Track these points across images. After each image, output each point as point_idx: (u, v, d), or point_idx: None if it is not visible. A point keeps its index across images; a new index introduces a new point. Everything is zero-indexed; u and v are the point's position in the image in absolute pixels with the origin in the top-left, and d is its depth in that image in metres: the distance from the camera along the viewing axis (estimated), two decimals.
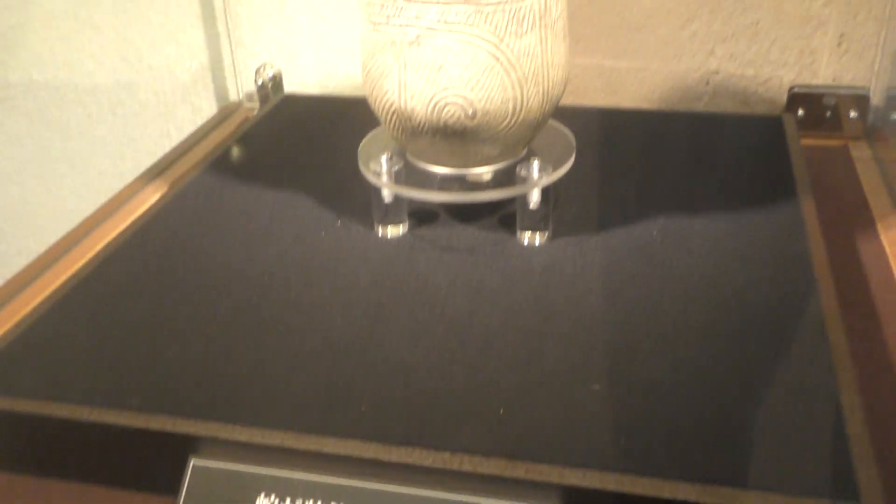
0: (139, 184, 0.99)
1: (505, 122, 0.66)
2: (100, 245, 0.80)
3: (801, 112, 1.00)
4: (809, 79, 1.02)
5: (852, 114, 0.99)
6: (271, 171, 0.86)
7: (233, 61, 1.19)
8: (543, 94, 0.66)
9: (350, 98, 1.07)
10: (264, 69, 1.13)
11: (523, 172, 0.69)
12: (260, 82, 1.12)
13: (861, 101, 0.98)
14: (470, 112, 0.65)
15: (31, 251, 0.87)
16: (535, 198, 0.70)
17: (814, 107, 1.00)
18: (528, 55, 0.64)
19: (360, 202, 0.76)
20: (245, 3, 1.16)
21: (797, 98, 1.00)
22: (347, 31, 1.14)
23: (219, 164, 0.89)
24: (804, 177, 0.79)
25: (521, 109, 0.66)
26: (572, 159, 0.72)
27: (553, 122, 0.78)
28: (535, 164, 0.69)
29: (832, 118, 1.00)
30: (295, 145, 0.93)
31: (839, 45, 1.00)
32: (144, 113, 1.30)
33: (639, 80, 1.08)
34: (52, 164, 1.38)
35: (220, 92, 1.24)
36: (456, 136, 0.66)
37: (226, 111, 1.20)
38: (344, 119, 0.97)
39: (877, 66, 1.00)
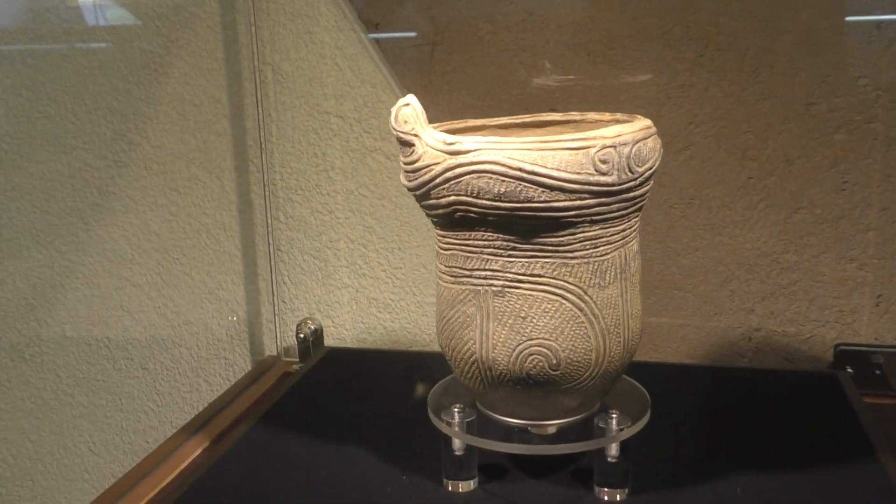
0: (178, 439, 0.95)
1: (587, 373, 0.65)
2: None
3: (849, 369, 1.00)
4: (851, 337, 1.04)
5: None
6: (325, 425, 0.84)
7: (274, 316, 1.21)
8: (623, 344, 0.66)
9: (394, 352, 1.07)
10: (306, 324, 1.13)
11: (601, 424, 0.68)
12: (301, 336, 1.12)
13: None
14: (554, 362, 0.64)
15: None
16: (613, 451, 0.68)
17: (862, 364, 1.00)
18: (610, 306, 0.65)
19: (426, 456, 0.74)
20: (287, 261, 1.19)
21: (844, 355, 1.01)
22: (386, 287, 1.16)
23: (268, 418, 0.87)
24: (878, 435, 0.78)
25: (602, 360, 0.65)
26: (648, 412, 0.70)
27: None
28: (615, 416, 0.68)
29: (882, 376, 0.99)
30: (346, 398, 0.92)
31: (878, 305, 1.03)
32: (176, 368, 1.29)
33: (680, 336, 1.09)
34: (73, 420, 1.35)
35: (256, 347, 1.24)
36: (538, 387, 0.65)
37: (262, 366, 1.19)
38: (394, 372, 0.97)
39: None
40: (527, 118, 0.76)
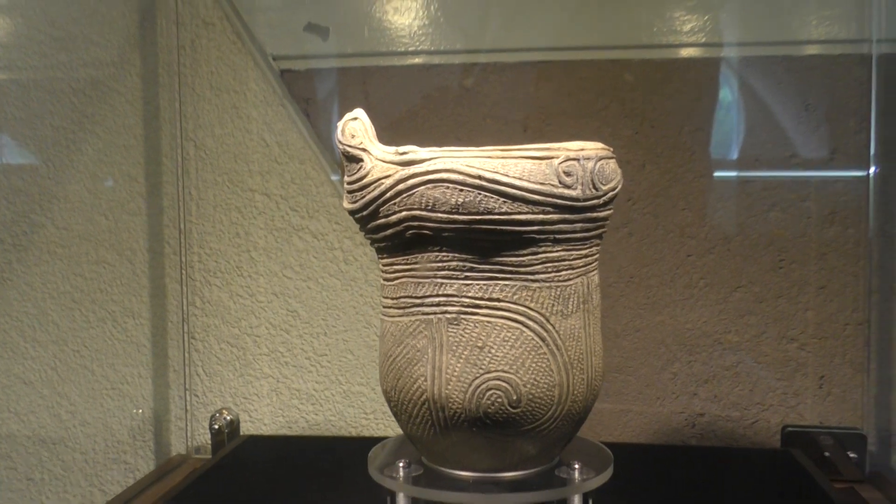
0: None
1: (550, 412, 0.59)
2: None
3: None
4: (796, 420, 1.00)
5: (851, 454, 0.95)
6: None
7: (185, 412, 1.10)
8: (587, 383, 0.61)
9: (318, 438, 0.98)
10: (221, 414, 1.03)
11: (563, 475, 0.61)
12: (216, 427, 1.02)
13: (859, 440, 0.96)
14: (514, 398, 0.58)
15: None
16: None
17: (809, 447, 0.96)
18: (573, 338, 0.60)
19: None
20: (202, 350, 1.10)
21: (792, 437, 0.97)
22: (309, 376, 1.08)
23: (177, 501, 0.77)
24: None
25: (566, 398, 0.59)
26: (612, 466, 0.64)
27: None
28: (577, 466, 0.61)
29: (829, 459, 0.95)
30: (268, 483, 0.82)
31: (820, 387, 1.00)
32: (67, 477, 1.15)
33: (623, 422, 1.03)
34: None
35: (162, 448, 1.13)
36: (496, 428, 0.59)
37: (168, 466, 1.07)
38: (319, 455, 0.88)
39: (861, 410, 0.99)
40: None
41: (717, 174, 1.00)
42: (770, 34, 1.00)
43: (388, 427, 1.07)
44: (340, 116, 0.62)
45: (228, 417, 1.04)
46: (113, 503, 0.94)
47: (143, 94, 1.11)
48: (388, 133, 0.63)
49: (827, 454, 0.96)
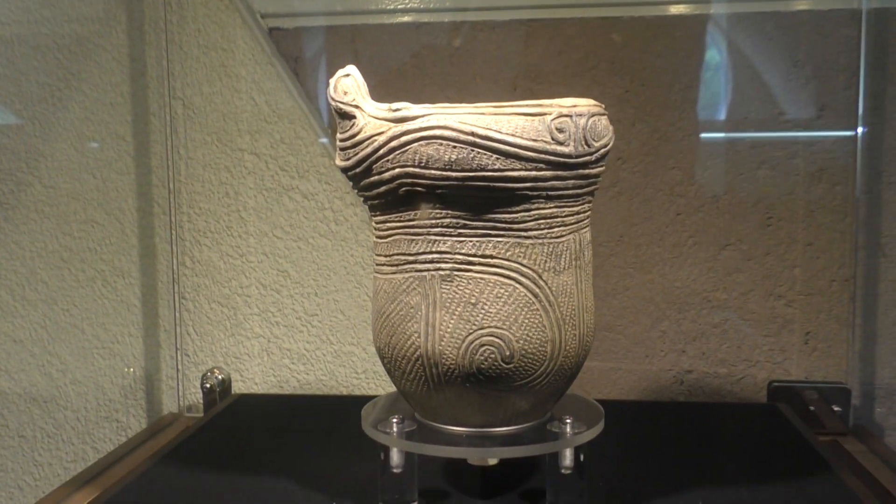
0: (62, 493, 0.83)
1: (542, 367, 0.60)
2: None
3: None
4: (782, 376, 1.02)
5: (835, 408, 0.97)
6: (238, 464, 0.75)
7: (176, 371, 1.10)
8: (579, 339, 0.61)
9: (309, 396, 0.99)
10: (213, 374, 1.04)
11: (555, 429, 0.62)
12: (208, 386, 1.02)
13: (843, 394, 0.97)
14: (507, 353, 0.58)
15: None
16: (568, 461, 0.62)
17: (795, 402, 0.97)
18: (565, 294, 0.60)
19: (359, 484, 0.66)
20: (193, 310, 1.10)
21: (778, 392, 0.99)
22: (300, 336, 1.08)
23: (170, 459, 0.77)
24: (833, 457, 0.75)
25: (558, 353, 0.60)
26: (603, 420, 0.65)
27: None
28: (569, 421, 0.62)
29: (814, 413, 0.97)
30: (261, 439, 0.83)
31: (806, 342, 1.01)
32: (59, 434, 1.16)
33: (612, 380, 1.04)
34: None
35: (154, 406, 1.13)
36: (489, 384, 0.59)
37: (160, 424, 1.08)
38: (311, 413, 0.89)
39: (846, 364, 1.00)
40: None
41: (703, 135, 1.01)
42: None
43: (379, 386, 1.08)
44: (329, 75, 0.62)
45: (220, 377, 1.04)
46: (105, 460, 0.94)
47: (130, 51, 1.10)
48: (378, 92, 0.62)
49: (812, 408, 0.97)
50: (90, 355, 1.14)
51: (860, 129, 0.97)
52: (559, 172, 0.58)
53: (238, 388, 1.09)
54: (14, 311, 1.15)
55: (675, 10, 1.00)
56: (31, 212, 1.13)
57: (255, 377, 1.10)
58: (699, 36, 1.00)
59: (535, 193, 0.58)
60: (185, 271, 1.11)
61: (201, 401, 1.06)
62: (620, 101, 1.01)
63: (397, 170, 0.58)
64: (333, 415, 0.90)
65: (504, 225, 0.58)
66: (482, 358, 0.58)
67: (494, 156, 0.56)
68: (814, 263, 1.00)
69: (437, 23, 1.05)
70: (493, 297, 0.58)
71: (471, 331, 0.58)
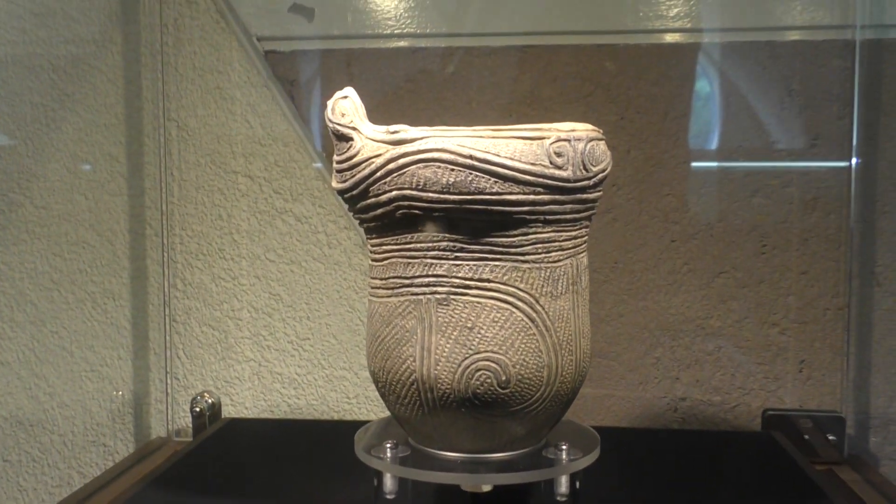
0: None
1: (539, 393, 0.59)
2: None
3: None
4: (776, 404, 1.01)
5: (830, 437, 0.96)
6: (233, 488, 0.74)
7: (165, 395, 1.09)
8: (576, 364, 0.61)
9: (300, 421, 0.98)
10: (202, 397, 1.03)
11: (550, 456, 0.61)
12: (197, 410, 1.01)
13: (837, 423, 0.97)
14: (503, 378, 0.58)
15: None
16: (563, 487, 0.61)
17: (790, 431, 0.97)
18: (562, 320, 0.60)
19: None
20: (183, 333, 1.09)
21: (772, 421, 0.98)
22: (292, 360, 1.08)
23: (157, 484, 0.76)
24: (829, 487, 0.74)
25: (555, 379, 0.59)
26: (598, 447, 0.64)
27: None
28: (565, 447, 0.62)
29: (809, 442, 0.97)
30: (251, 466, 0.81)
31: (800, 371, 1.01)
32: (45, 459, 1.14)
33: (606, 407, 1.04)
34: None
35: (142, 431, 1.12)
36: (484, 409, 0.59)
37: (147, 448, 1.06)
38: (302, 438, 0.87)
39: (840, 393, 1.00)
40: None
41: (694, 164, 1.01)
42: (754, 20, 1.01)
43: (371, 411, 1.07)
44: (325, 99, 0.61)
45: (210, 400, 1.03)
46: (91, 485, 0.93)
47: (125, 72, 1.10)
48: (373, 116, 0.62)
49: (807, 437, 0.97)
50: (78, 378, 1.12)
51: (854, 160, 0.98)
52: (557, 197, 0.58)
53: (228, 412, 1.08)
54: (1, 333, 1.14)
55: (671, 38, 1.01)
56: (21, 232, 1.12)
57: (245, 401, 1.09)
58: (694, 65, 1.01)
59: (533, 217, 0.57)
60: (177, 294, 1.10)
61: (190, 425, 1.05)
62: (615, 128, 1.01)
63: (394, 192, 0.57)
64: (325, 440, 0.89)
65: (501, 249, 0.58)
66: (478, 383, 0.58)
67: (493, 179, 0.56)
68: (808, 292, 1.00)
69: (433, 48, 1.05)
70: (489, 321, 0.58)
71: (467, 355, 0.58)
